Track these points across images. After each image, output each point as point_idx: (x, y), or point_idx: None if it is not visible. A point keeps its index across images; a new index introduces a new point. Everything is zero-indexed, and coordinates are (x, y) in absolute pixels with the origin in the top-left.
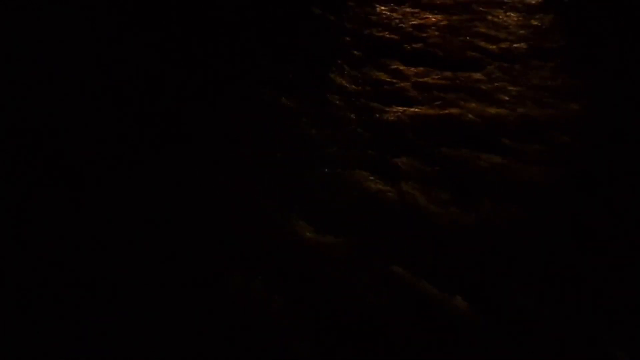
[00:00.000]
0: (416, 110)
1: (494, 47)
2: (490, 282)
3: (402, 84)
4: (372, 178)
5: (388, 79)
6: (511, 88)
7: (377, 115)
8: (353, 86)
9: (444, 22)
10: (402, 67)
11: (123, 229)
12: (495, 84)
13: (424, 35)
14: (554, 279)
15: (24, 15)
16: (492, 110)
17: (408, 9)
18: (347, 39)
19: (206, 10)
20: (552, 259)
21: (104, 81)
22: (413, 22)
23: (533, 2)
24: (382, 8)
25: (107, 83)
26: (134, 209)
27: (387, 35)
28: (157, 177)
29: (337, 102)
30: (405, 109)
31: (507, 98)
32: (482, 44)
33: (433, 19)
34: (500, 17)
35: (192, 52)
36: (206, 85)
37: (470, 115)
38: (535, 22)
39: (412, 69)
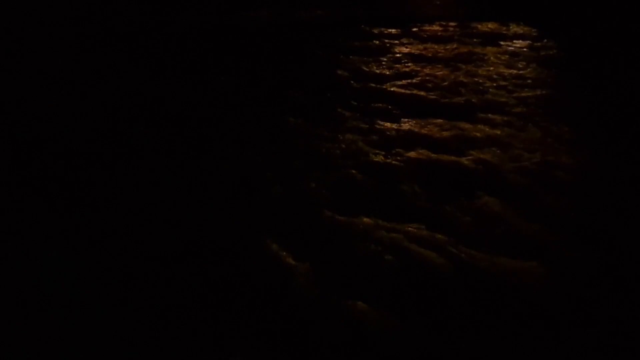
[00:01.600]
0: (413, 155)
1: (487, 96)
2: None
3: (399, 132)
4: (370, 221)
5: (386, 127)
6: (503, 137)
7: (375, 160)
8: (349, 135)
9: (440, 74)
10: (399, 115)
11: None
12: (490, 132)
13: (419, 85)
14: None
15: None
16: (487, 156)
17: (401, 64)
18: (347, 92)
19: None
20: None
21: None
22: (407, 73)
23: (522, 52)
24: (382, 59)
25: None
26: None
27: (384, 86)
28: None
29: (336, 149)
30: (402, 154)
31: (499, 148)
32: (476, 95)
33: (427, 71)
34: (493, 67)
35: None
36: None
37: (466, 162)
38: (526, 72)
39: (407, 118)
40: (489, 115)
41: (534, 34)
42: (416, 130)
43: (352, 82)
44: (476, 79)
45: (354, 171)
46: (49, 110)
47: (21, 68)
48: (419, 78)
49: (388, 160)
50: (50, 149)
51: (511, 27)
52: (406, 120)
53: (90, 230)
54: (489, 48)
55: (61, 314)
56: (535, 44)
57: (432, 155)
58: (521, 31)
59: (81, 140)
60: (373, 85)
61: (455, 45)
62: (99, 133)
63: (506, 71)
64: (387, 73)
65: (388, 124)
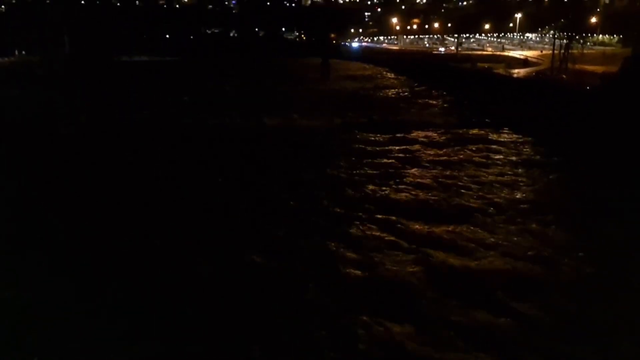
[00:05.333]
0: (412, 258)
1: (475, 198)
2: None
3: (397, 238)
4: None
5: (386, 233)
6: (496, 239)
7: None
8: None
9: (429, 178)
10: (389, 215)
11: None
12: (482, 234)
13: (408, 188)
14: None
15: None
16: (484, 254)
17: (392, 168)
18: (342, 194)
19: None
20: None
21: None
22: (398, 176)
23: (508, 157)
24: (374, 163)
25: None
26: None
27: (375, 189)
28: None
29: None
30: (401, 262)
31: (494, 249)
32: (464, 197)
33: (417, 174)
34: (480, 171)
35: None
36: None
37: (460, 267)
38: (513, 175)
39: (397, 217)
40: (479, 215)
41: (520, 140)
42: (411, 235)
43: (346, 184)
44: (464, 182)
45: (352, 272)
46: None
47: None
48: (408, 181)
49: (383, 260)
50: None
51: (498, 134)
52: (395, 221)
53: None
54: (476, 153)
55: None
56: (523, 149)
57: (429, 261)
58: (508, 138)
59: None
60: (366, 187)
61: (444, 151)
62: None
63: (493, 173)
64: (379, 176)
65: (386, 230)
